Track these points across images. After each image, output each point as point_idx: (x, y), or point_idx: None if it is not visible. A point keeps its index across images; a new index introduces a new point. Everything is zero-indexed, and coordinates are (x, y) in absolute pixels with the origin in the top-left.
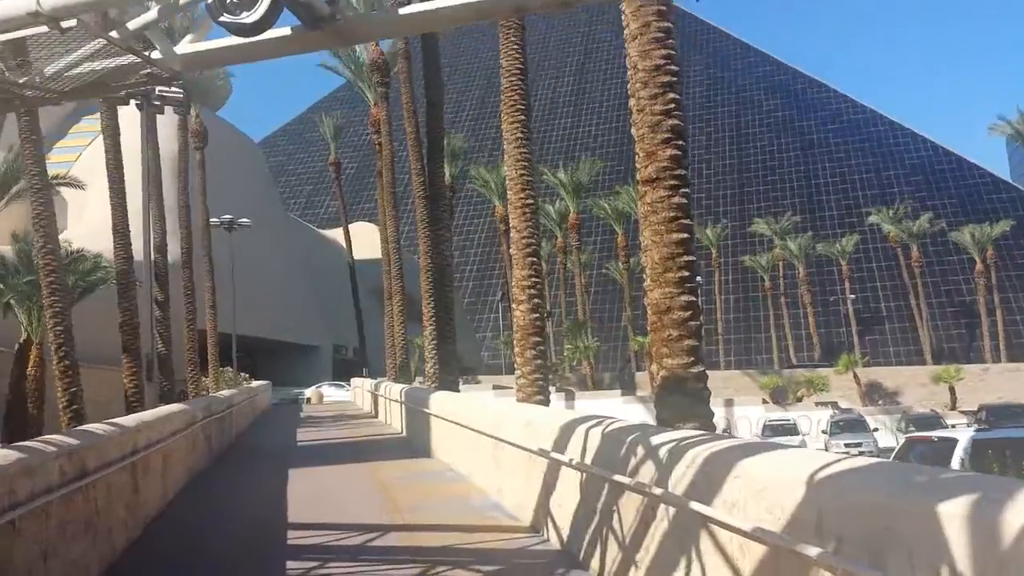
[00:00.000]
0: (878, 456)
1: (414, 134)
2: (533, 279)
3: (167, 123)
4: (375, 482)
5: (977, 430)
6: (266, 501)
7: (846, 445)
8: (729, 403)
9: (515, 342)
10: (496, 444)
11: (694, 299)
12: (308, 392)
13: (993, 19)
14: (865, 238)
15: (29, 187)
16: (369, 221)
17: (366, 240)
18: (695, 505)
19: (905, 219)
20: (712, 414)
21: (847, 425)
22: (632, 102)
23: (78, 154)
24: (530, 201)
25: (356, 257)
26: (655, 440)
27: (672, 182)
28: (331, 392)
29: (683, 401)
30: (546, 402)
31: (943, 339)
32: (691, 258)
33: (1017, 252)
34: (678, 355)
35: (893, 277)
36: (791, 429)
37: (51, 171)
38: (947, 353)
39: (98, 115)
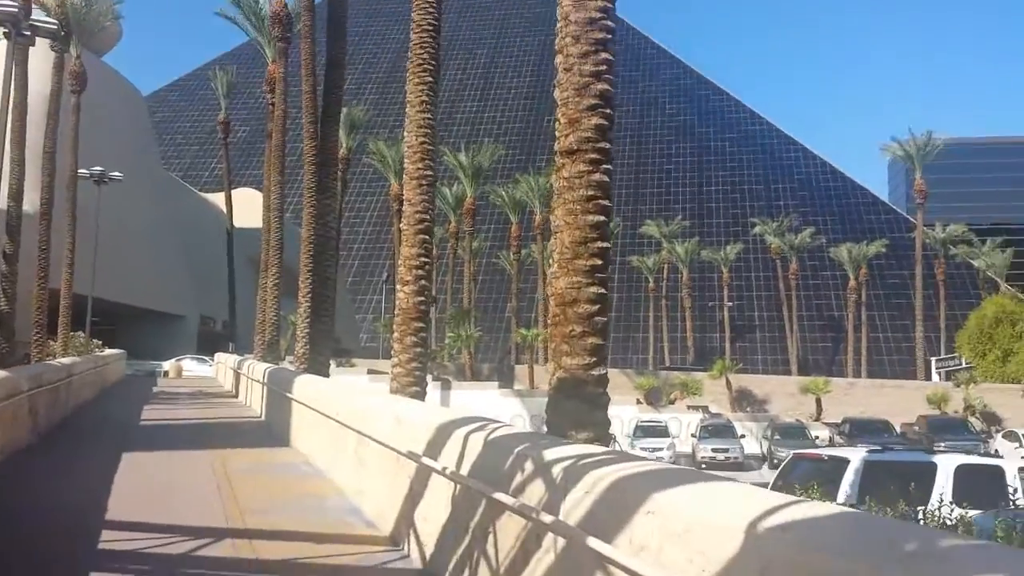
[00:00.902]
0: (743, 461)
1: (311, 93)
2: (422, 259)
3: (44, 60)
4: (220, 474)
5: (870, 451)
6: (86, 491)
7: (713, 450)
8: None
9: (395, 326)
10: (360, 439)
11: (603, 292)
12: (167, 365)
13: (885, 53)
14: (748, 247)
15: None
16: (257, 188)
17: (250, 207)
18: (593, 542)
19: (788, 232)
20: (609, 423)
21: (715, 430)
22: (559, 59)
23: None
24: (428, 173)
25: (237, 224)
26: (548, 455)
27: (594, 156)
28: (192, 366)
29: (580, 407)
30: (422, 395)
31: (809, 351)
32: (605, 244)
33: (888, 272)
34: (579, 354)
35: (769, 288)
36: (662, 431)
37: None
38: (812, 365)
39: None
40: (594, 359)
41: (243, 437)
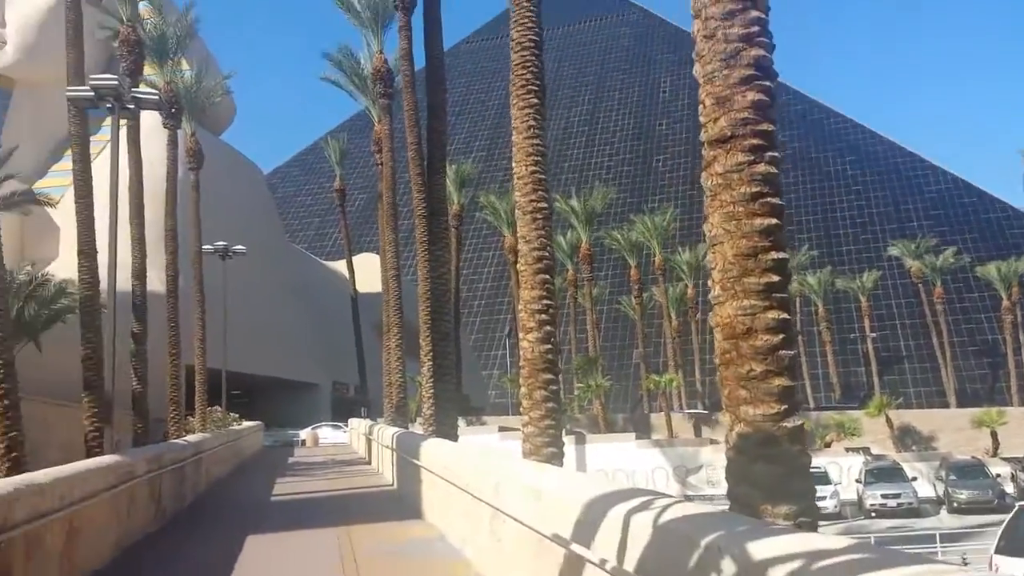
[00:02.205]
0: (918, 506)
1: (415, 145)
2: (545, 301)
3: (160, 141)
4: (343, 557)
5: None
6: None
7: (883, 496)
8: None
9: (522, 380)
10: (495, 514)
11: (787, 316)
12: (303, 434)
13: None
14: (885, 274)
15: None
16: (377, 252)
17: (372, 272)
18: None
19: (928, 253)
20: (814, 492)
21: (882, 474)
22: (695, 26)
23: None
24: (543, 205)
25: (361, 290)
26: (757, 550)
27: (755, 141)
28: (327, 434)
29: (773, 472)
30: (559, 456)
31: (966, 380)
32: (782, 255)
33: None
34: (764, 401)
35: (913, 315)
36: (821, 478)
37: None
38: (970, 394)
39: (104, 136)
40: (784, 406)
41: (374, 509)
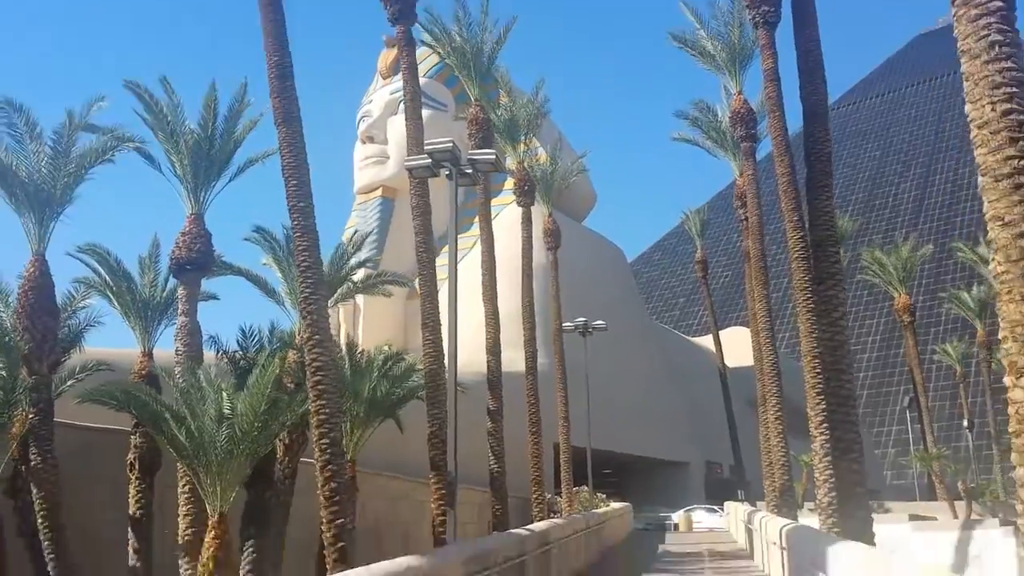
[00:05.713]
0: None
1: (787, 175)
2: None
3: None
4: None
5: None
6: None
7: None
8: None
9: (1015, 455)
10: None
11: None
12: (676, 517)
13: None
14: None
15: (299, 275)
16: (744, 326)
17: (740, 346)
18: None
19: None
20: None
21: None
22: None
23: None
24: None
25: (730, 365)
26: None
27: None
28: (702, 517)
29: None
30: None
31: None
32: None
33: None
34: None
35: None
36: None
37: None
38: None
39: (471, 231)
40: None
41: None
